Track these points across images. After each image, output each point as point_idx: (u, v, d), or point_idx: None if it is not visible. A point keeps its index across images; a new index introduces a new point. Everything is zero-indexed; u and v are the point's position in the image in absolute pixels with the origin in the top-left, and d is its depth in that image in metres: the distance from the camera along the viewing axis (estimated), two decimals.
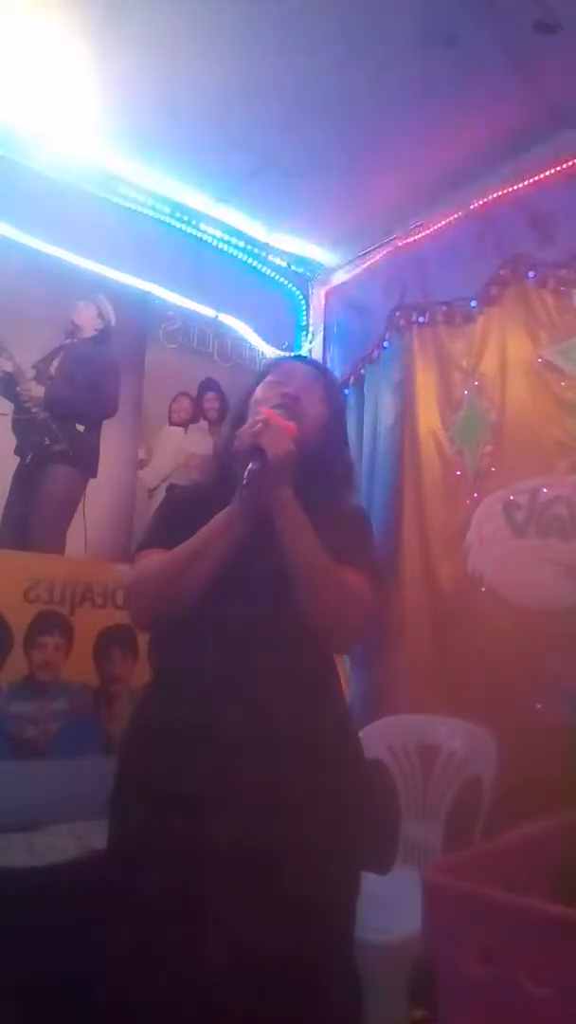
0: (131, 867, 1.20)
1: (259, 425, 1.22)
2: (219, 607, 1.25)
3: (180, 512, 1.42)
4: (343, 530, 1.35)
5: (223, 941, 1.12)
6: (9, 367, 2.36)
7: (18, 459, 2.36)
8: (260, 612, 1.26)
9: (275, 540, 1.23)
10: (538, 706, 2.15)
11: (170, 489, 1.55)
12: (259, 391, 1.43)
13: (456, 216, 2.65)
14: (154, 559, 1.31)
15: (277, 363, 1.55)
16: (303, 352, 3.17)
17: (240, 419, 1.42)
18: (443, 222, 2.70)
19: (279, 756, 1.20)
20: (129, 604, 1.40)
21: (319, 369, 1.51)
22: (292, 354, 1.59)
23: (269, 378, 1.45)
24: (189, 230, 2.83)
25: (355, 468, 1.57)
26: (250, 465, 1.19)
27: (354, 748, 1.36)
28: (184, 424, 2.78)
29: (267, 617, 1.26)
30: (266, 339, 3.04)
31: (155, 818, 1.19)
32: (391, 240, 2.89)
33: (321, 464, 1.37)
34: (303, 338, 3.18)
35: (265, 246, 3.03)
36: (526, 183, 2.44)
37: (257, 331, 3.00)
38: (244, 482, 1.19)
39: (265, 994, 1.11)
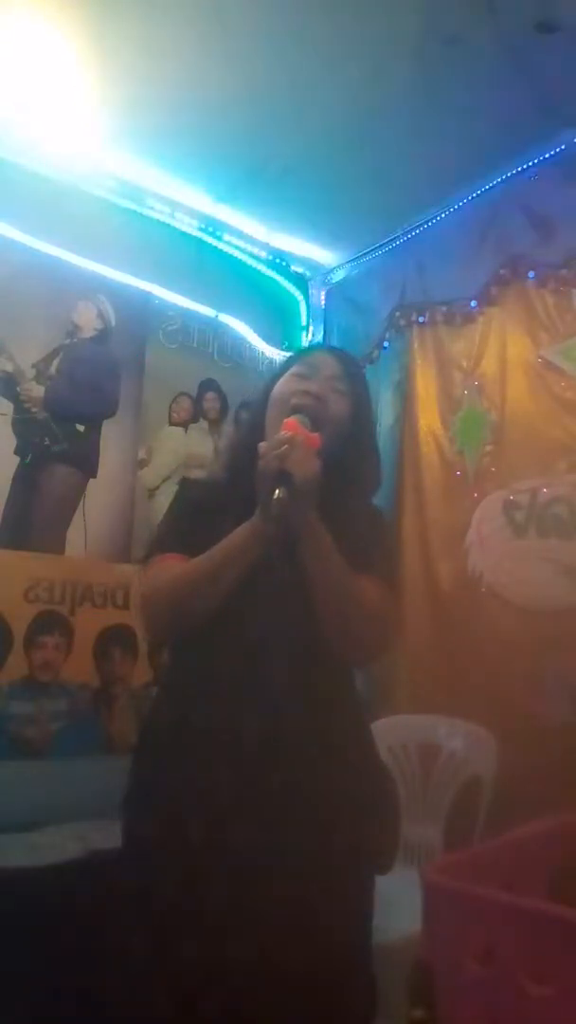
0: (147, 873, 1.19)
1: (285, 446, 1.13)
2: (237, 615, 1.22)
3: (196, 512, 1.36)
4: (361, 535, 1.30)
5: (242, 948, 1.11)
6: (9, 367, 2.36)
7: (18, 459, 2.36)
8: (278, 621, 1.23)
9: (296, 553, 1.19)
10: (538, 706, 2.15)
11: (183, 484, 1.45)
12: (282, 385, 1.35)
13: (456, 216, 2.65)
14: (169, 568, 1.25)
15: (301, 354, 1.45)
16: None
17: (259, 416, 1.37)
18: (443, 222, 2.70)
19: (297, 764, 1.18)
20: (144, 615, 1.34)
21: (346, 362, 1.42)
22: (318, 344, 1.47)
23: (293, 369, 1.37)
24: (189, 230, 2.83)
25: (380, 470, 1.47)
26: (277, 493, 1.11)
27: (372, 757, 1.35)
28: (184, 424, 2.78)
29: (285, 626, 1.23)
30: (266, 339, 3.04)
31: (171, 825, 1.18)
32: (391, 240, 2.89)
33: (344, 466, 1.31)
34: (303, 338, 3.18)
35: (265, 246, 3.03)
36: (526, 183, 2.44)
37: (257, 331, 3.00)
38: (271, 509, 1.12)
39: (285, 1000, 1.11)
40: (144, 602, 1.31)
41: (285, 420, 1.21)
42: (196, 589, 1.21)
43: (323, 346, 1.48)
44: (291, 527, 1.16)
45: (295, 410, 1.26)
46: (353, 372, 1.41)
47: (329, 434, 1.26)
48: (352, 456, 1.35)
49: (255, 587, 1.22)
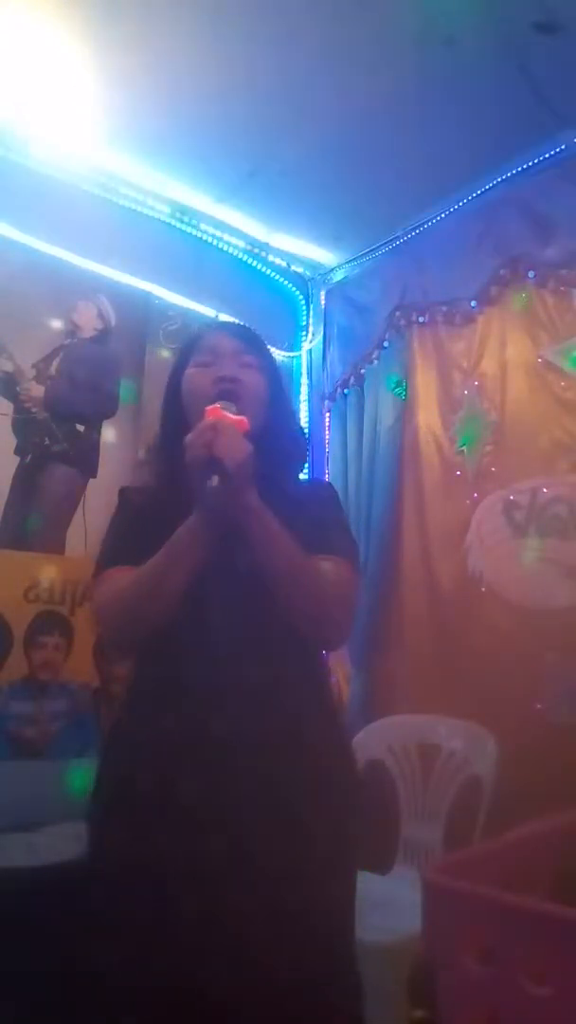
0: (115, 885, 1.16)
1: (209, 433, 1.11)
2: (196, 615, 1.19)
3: (138, 520, 1.31)
4: (312, 514, 1.28)
5: (219, 956, 1.09)
6: (9, 367, 2.36)
7: (18, 459, 2.36)
8: (240, 616, 1.20)
9: (245, 542, 1.16)
10: (538, 706, 2.15)
11: (122, 493, 1.42)
12: (191, 380, 1.31)
13: (456, 216, 2.65)
14: (117, 580, 1.22)
15: (197, 342, 1.37)
16: (303, 352, 3.17)
17: (176, 414, 1.32)
18: (443, 222, 2.70)
19: (269, 763, 1.15)
20: (100, 631, 1.31)
21: (243, 334, 1.38)
22: (207, 324, 1.43)
23: (195, 360, 1.32)
24: (189, 230, 2.83)
25: (304, 434, 1.48)
26: (209, 481, 1.09)
27: (346, 750, 1.33)
28: None
29: (248, 621, 1.20)
30: (266, 339, 3.02)
31: (141, 835, 1.14)
32: (391, 240, 2.89)
33: (273, 440, 1.28)
34: (303, 338, 3.19)
35: (265, 246, 3.03)
36: (526, 183, 2.44)
37: (257, 331, 3.00)
38: (205, 500, 1.11)
39: (266, 1006, 1.08)
40: (96, 618, 1.29)
41: (207, 408, 1.18)
42: (145, 596, 1.18)
43: (214, 325, 1.45)
44: (231, 515, 1.14)
45: (216, 400, 1.22)
46: (254, 343, 1.38)
47: (253, 413, 1.24)
48: (278, 428, 1.32)
49: (212, 586, 1.19)
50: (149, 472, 1.38)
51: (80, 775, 2.06)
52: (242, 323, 1.45)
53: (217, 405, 1.19)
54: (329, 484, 1.53)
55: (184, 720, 1.17)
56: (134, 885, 1.14)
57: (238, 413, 1.19)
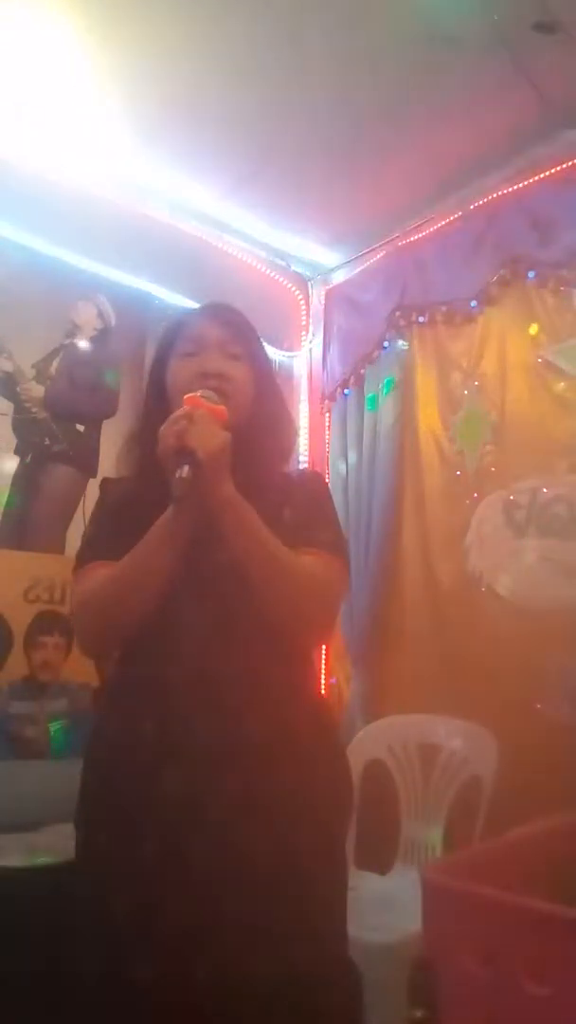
0: (102, 888, 1.14)
1: (182, 422, 1.07)
2: (175, 612, 1.16)
3: (117, 514, 1.27)
4: (298, 506, 1.24)
5: (207, 959, 1.07)
6: (9, 367, 2.36)
7: (18, 459, 2.36)
8: (219, 612, 1.17)
9: (221, 534, 1.13)
10: (538, 706, 2.15)
11: (103, 486, 1.40)
12: (175, 370, 1.26)
13: (456, 216, 2.65)
14: (96, 577, 1.18)
15: (181, 328, 1.31)
16: (303, 351, 3.17)
17: (156, 405, 1.27)
18: (443, 222, 2.70)
19: (253, 763, 1.13)
20: (76, 628, 1.28)
21: (229, 320, 1.32)
22: (197, 307, 1.37)
23: (179, 348, 1.27)
24: (189, 230, 2.83)
25: (294, 424, 1.39)
26: (180, 471, 1.05)
27: (332, 746, 1.28)
28: None
29: (227, 617, 1.17)
30: (266, 339, 3.01)
31: (124, 835, 1.12)
32: (391, 240, 2.89)
33: (258, 430, 1.24)
34: (303, 338, 3.18)
35: (265, 246, 3.03)
36: (526, 183, 2.44)
37: (257, 331, 3.00)
38: (177, 491, 1.06)
39: (256, 1008, 1.06)
40: (75, 615, 1.26)
41: (185, 397, 1.14)
42: (123, 592, 1.15)
43: (198, 310, 1.38)
44: (206, 506, 1.10)
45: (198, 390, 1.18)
46: (242, 330, 1.32)
47: (236, 404, 1.20)
48: (264, 418, 1.28)
49: (190, 582, 1.16)
50: (128, 463, 1.33)
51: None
52: (227, 305, 1.38)
53: (197, 394, 1.15)
54: (318, 474, 1.47)
55: (164, 719, 1.14)
56: (119, 885, 1.11)
57: (217, 402, 1.15)
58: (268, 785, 1.13)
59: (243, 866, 1.09)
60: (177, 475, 1.05)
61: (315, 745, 1.21)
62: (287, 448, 1.37)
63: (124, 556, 1.15)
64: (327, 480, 1.44)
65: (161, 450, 1.08)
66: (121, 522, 1.22)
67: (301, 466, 2.80)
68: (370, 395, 2.88)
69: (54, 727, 2.29)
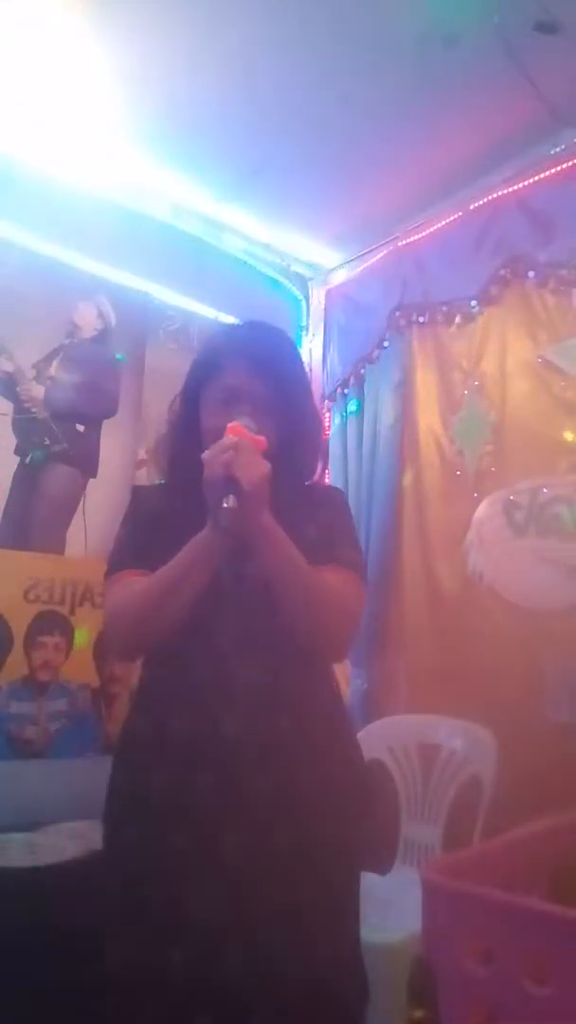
0: (131, 883, 1.19)
1: (229, 452, 1.11)
2: (205, 620, 1.21)
3: (150, 522, 1.33)
4: (321, 522, 1.30)
5: (230, 953, 1.11)
6: (9, 367, 2.35)
7: (18, 459, 2.35)
8: (248, 623, 1.23)
9: (254, 554, 1.19)
10: (538, 706, 2.15)
11: (134, 493, 1.44)
12: (208, 414, 1.29)
13: (456, 216, 2.65)
14: (129, 586, 1.24)
15: (223, 342, 1.36)
16: (303, 351, 3.17)
17: (191, 412, 1.32)
18: (443, 222, 2.69)
19: (277, 767, 1.18)
20: (109, 636, 1.35)
21: (271, 343, 1.35)
22: (239, 325, 1.39)
23: (215, 393, 1.30)
24: (189, 230, 2.82)
25: (322, 442, 1.49)
26: (225, 502, 1.09)
27: (353, 754, 1.34)
28: None
29: (256, 628, 1.23)
30: None
31: (154, 833, 1.17)
32: (391, 240, 2.89)
33: (289, 452, 1.29)
34: (303, 338, 3.18)
35: (265, 246, 3.03)
36: (526, 183, 2.44)
37: (298, 350, 3.00)
38: (220, 518, 1.11)
39: (275, 1000, 1.11)
40: (108, 623, 1.32)
41: (228, 425, 1.18)
42: (157, 606, 1.20)
43: (245, 326, 1.41)
44: (244, 532, 1.15)
45: (233, 412, 1.22)
46: (280, 351, 1.35)
47: (269, 427, 1.24)
48: (295, 439, 1.32)
49: (221, 593, 1.21)
50: (159, 472, 1.40)
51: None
52: (266, 323, 1.41)
53: (238, 423, 1.19)
54: (339, 491, 1.53)
55: (193, 721, 1.20)
56: (147, 882, 1.16)
57: (257, 431, 1.20)
58: (292, 784, 1.18)
59: (268, 861, 1.14)
60: (224, 504, 1.10)
61: (337, 748, 1.28)
62: (315, 469, 1.43)
63: (156, 565, 1.21)
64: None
65: (208, 476, 1.12)
66: (154, 531, 1.28)
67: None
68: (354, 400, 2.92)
69: (54, 727, 2.29)
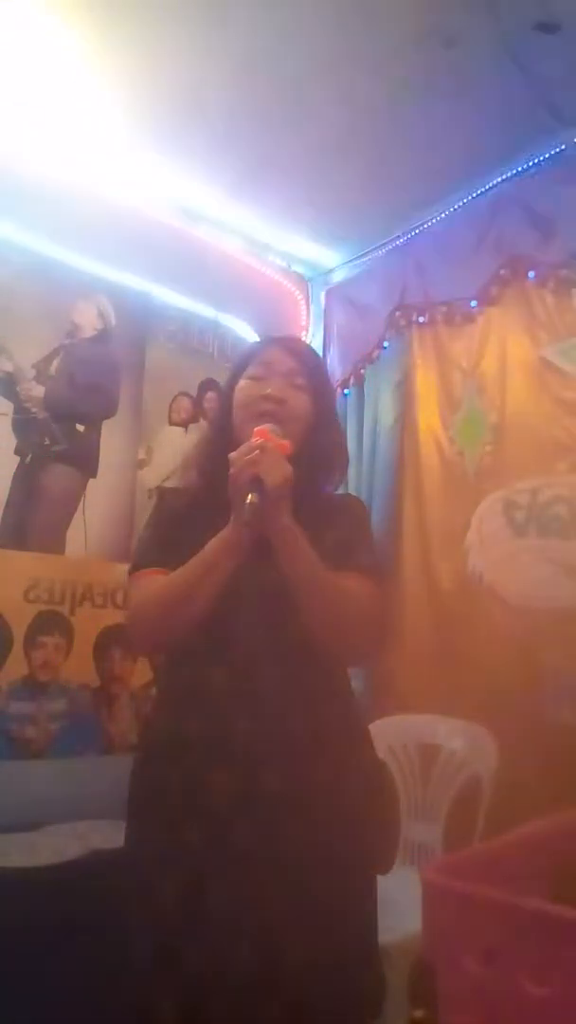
0: (149, 877, 1.21)
1: (256, 452, 1.16)
2: (224, 621, 1.24)
3: (174, 523, 1.37)
4: (340, 529, 1.33)
5: (246, 950, 1.13)
6: (9, 367, 2.35)
7: (18, 459, 2.35)
8: (266, 625, 1.25)
9: (274, 555, 1.21)
10: (538, 706, 2.15)
11: (160, 494, 1.48)
12: (241, 390, 1.37)
13: (456, 216, 2.65)
14: (153, 584, 1.28)
15: (255, 352, 1.44)
16: None
17: (226, 419, 1.39)
18: (443, 222, 2.70)
19: (292, 767, 1.20)
20: (130, 632, 1.38)
21: (300, 354, 1.42)
22: (270, 338, 1.48)
23: (249, 371, 1.38)
24: (189, 230, 2.82)
25: (346, 453, 1.51)
26: (249, 498, 1.13)
27: (369, 756, 1.36)
28: (184, 424, 2.78)
29: (273, 630, 1.25)
30: None
31: (173, 829, 1.20)
32: (391, 240, 2.89)
33: (311, 459, 1.33)
34: (303, 338, 3.18)
35: (265, 246, 3.03)
36: (526, 183, 2.44)
37: (257, 331, 3.00)
38: (242, 515, 1.15)
39: (294, 996, 1.13)
40: (129, 620, 1.34)
41: (255, 429, 1.23)
42: (178, 603, 1.23)
43: (275, 340, 1.48)
44: (265, 531, 1.18)
45: (261, 416, 1.29)
46: (309, 363, 1.42)
47: (294, 432, 1.29)
48: (318, 447, 1.37)
49: (240, 594, 1.23)
50: (192, 475, 1.44)
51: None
52: (298, 338, 1.53)
53: (265, 427, 1.24)
54: (359, 500, 1.58)
55: (210, 721, 1.23)
56: (166, 878, 1.19)
57: (283, 437, 1.24)
58: (305, 784, 1.20)
59: (284, 856, 1.17)
60: (248, 501, 1.13)
61: (350, 749, 1.30)
62: (337, 478, 1.48)
63: (178, 565, 1.24)
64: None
65: (233, 475, 1.16)
66: (180, 531, 1.32)
67: None
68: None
69: (54, 727, 2.29)
